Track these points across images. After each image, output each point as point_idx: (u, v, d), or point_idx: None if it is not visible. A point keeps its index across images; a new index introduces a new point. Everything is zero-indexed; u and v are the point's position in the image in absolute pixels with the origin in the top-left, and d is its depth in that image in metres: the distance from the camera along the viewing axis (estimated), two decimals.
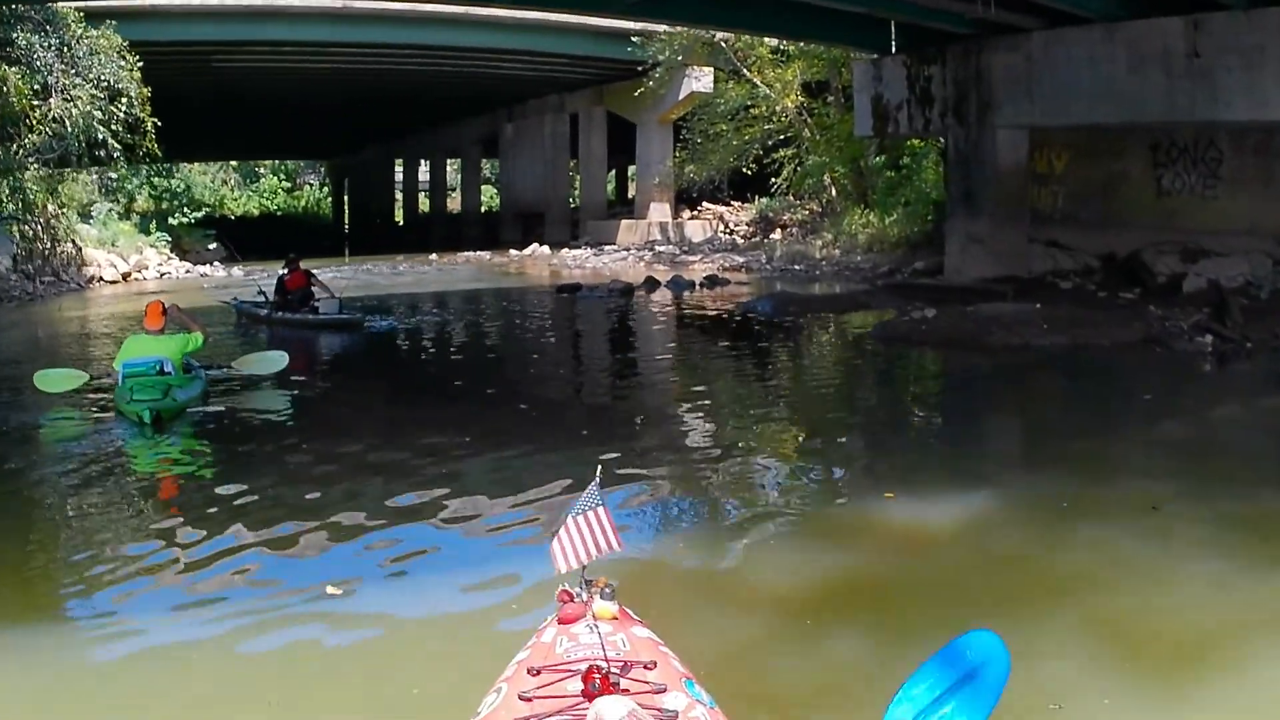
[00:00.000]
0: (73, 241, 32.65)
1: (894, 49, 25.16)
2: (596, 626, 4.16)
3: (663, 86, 42.53)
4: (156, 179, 48.03)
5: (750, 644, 5.87)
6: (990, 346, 15.61)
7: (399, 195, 78.81)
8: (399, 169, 77.10)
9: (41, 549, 7.81)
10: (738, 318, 21.50)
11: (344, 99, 54.20)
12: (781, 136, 38.81)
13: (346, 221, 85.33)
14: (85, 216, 37.22)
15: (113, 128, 27.40)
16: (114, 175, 45.25)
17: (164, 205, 47.17)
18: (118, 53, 27.72)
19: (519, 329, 22.14)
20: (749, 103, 39.00)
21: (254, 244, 60.52)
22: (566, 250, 45.22)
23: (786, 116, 37.90)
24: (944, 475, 9.51)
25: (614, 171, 67.38)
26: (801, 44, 36.17)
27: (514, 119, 58.07)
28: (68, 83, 26.26)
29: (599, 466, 4.95)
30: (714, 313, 22.85)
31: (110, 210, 39.62)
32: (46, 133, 26.27)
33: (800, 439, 11.36)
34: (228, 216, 79.74)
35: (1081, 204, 25.21)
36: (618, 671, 3.77)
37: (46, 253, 30.88)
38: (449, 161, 72.74)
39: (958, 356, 16.05)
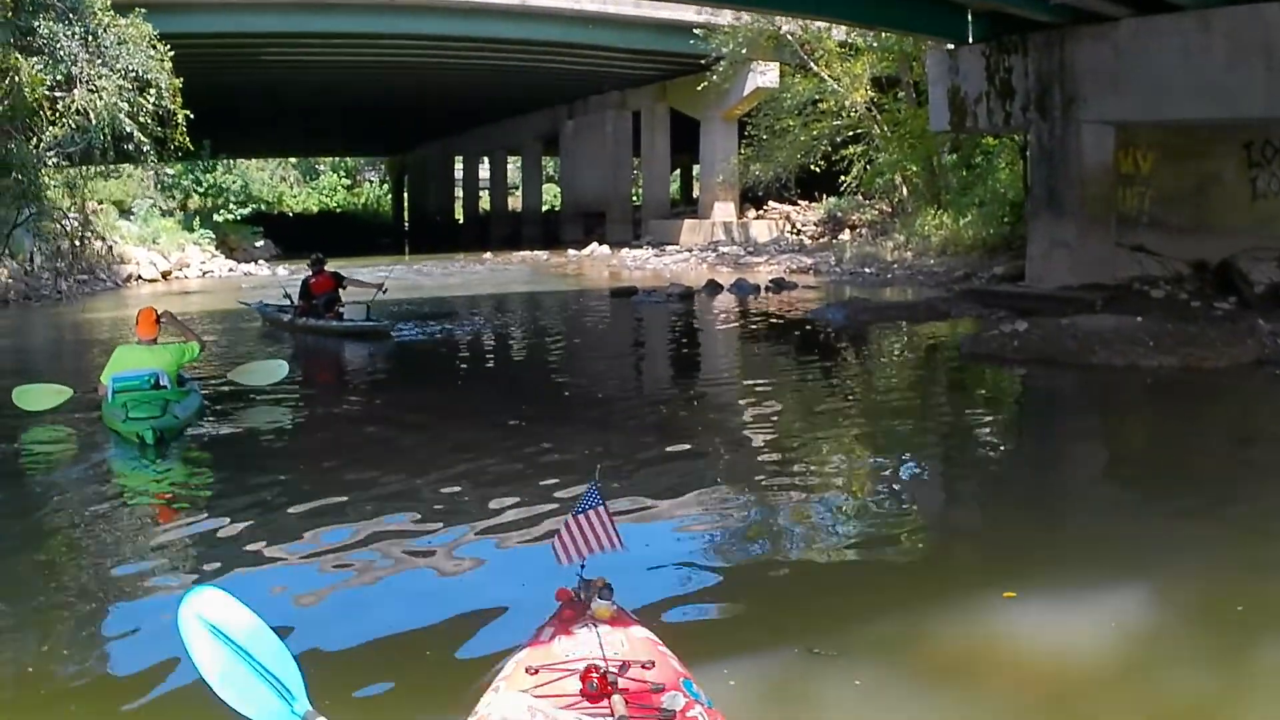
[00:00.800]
0: (102, 239, 31.68)
1: (971, 38, 23.57)
2: (595, 626, 4.23)
3: (726, 82, 41.08)
4: (205, 174, 46.42)
5: None
6: (1092, 367, 13.65)
7: (459, 193, 77.70)
8: (459, 166, 76.07)
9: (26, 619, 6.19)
10: (806, 327, 19.83)
11: (401, 94, 53.28)
12: (851, 133, 37.33)
13: (406, 220, 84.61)
14: (126, 212, 36.23)
15: (141, 120, 26.08)
16: (171, 171, 44.56)
17: (210, 202, 45.71)
18: (147, 42, 26.39)
19: (563, 339, 20.38)
20: (817, 97, 37.47)
21: (310, 241, 60.61)
22: (627, 250, 43.69)
23: (856, 112, 36.34)
24: (1075, 558, 7.05)
25: (677, 171, 66.28)
26: (872, 36, 34.85)
27: (575, 116, 56.79)
28: (93, 73, 24.95)
29: (599, 468, 5.16)
30: (780, 321, 21.12)
31: (152, 206, 38.55)
32: (70, 126, 25.00)
33: (884, 500, 8.71)
34: (285, 214, 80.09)
35: (1169, 207, 23.38)
36: (616, 671, 3.81)
37: (75, 251, 29.79)
38: (509, 159, 71.58)
39: (1057, 379, 14.15)
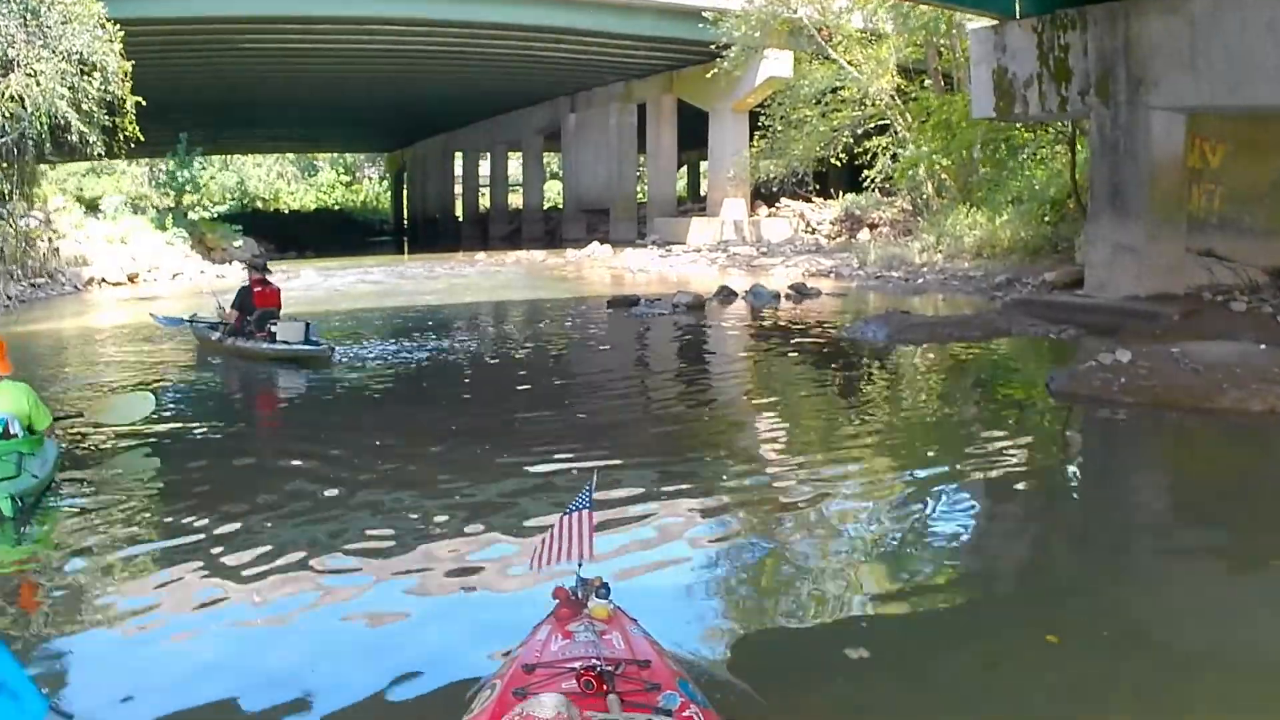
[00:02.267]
0: (47, 240, 28.69)
1: (1020, 13, 20.69)
2: (592, 625, 4.22)
3: (738, 69, 38.75)
4: (181, 169, 43.56)
5: None
6: (1222, 412, 10.24)
7: (459, 190, 75.30)
8: (459, 163, 73.81)
9: None
10: (844, 348, 16.23)
11: (398, 88, 51.00)
12: (874, 124, 34.65)
13: (406, 217, 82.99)
14: (94, 210, 33.64)
15: (85, 108, 23.41)
16: (165, 167, 42.22)
17: (181, 199, 42.87)
18: (95, 21, 23.70)
19: (544, 367, 15.88)
20: (837, 85, 34.75)
21: (306, 240, 58.68)
22: (631, 250, 40.84)
23: (881, 100, 33.59)
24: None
25: (684, 167, 64.06)
26: (896, 20, 32.28)
27: (578, 109, 54.77)
28: (31, 55, 22.20)
29: (597, 470, 5.44)
30: (809, 338, 17.65)
31: (121, 204, 35.93)
32: (2, 114, 22.28)
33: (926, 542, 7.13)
34: (281, 211, 79.07)
35: (1242, 206, 20.59)
36: (612, 670, 3.79)
37: (19, 253, 26.99)
38: (511, 155, 69.36)
39: (1184, 429, 10.60)
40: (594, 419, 11.53)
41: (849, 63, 34.33)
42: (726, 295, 23.55)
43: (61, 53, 22.94)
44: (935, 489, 8.31)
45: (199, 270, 34.57)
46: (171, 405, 12.09)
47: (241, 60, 41.20)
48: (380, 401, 13.02)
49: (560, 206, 62.03)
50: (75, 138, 23.83)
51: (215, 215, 44.21)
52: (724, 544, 7.22)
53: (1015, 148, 30.97)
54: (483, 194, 72.67)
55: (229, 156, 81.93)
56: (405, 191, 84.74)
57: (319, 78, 46.93)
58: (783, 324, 19.67)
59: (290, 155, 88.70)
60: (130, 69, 25.12)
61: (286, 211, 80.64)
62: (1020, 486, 8.66)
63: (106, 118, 24.45)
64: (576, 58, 44.13)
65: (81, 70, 23.58)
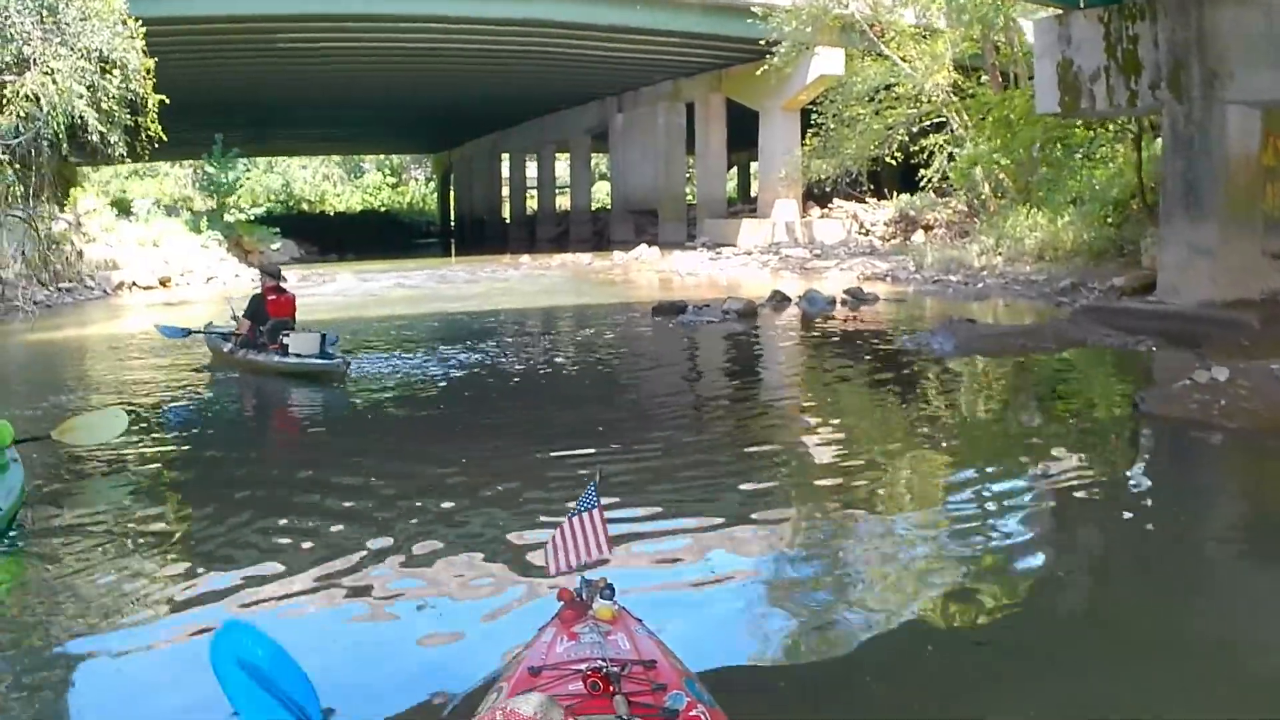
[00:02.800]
0: (71, 243, 28.22)
1: (1085, 2, 19.67)
2: (597, 626, 4.20)
3: (789, 66, 37.72)
4: (220, 170, 42.99)
5: None
6: None
7: (506, 191, 74.73)
8: (505, 164, 73.16)
9: None
10: (907, 358, 14.90)
11: (443, 88, 50.12)
12: (930, 121, 33.66)
13: (453, 219, 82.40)
14: (126, 213, 33.06)
15: (105, 107, 22.75)
16: (210, 169, 41.72)
17: (222, 200, 42.27)
18: (116, 18, 23.01)
19: (578, 384, 14.46)
20: (891, 81, 33.75)
21: (350, 242, 58.19)
22: (679, 253, 39.80)
23: (938, 97, 32.58)
24: None
25: (734, 168, 63.21)
26: (950, 15, 31.32)
27: (625, 109, 53.88)
28: (49, 53, 21.53)
29: (599, 469, 5.42)
30: (870, 349, 16.30)
31: (153, 206, 35.34)
32: (17, 114, 21.60)
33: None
34: (326, 213, 79.04)
35: None
36: (618, 671, 3.74)
37: (45, 257, 26.50)
38: (558, 156, 68.68)
39: None
40: (636, 459, 9.48)
41: (902, 59, 33.37)
42: (779, 301, 22.42)
43: (80, 50, 22.24)
44: (1016, 516, 7.54)
45: (234, 274, 34.00)
46: (159, 425, 11.40)
47: (280, 60, 40.59)
48: (389, 427, 11.58)
49: (608, 208, 61.27)
50: (95, 138, 23.10)
51: (252, 217, 43.36)
52: (777, 557, 7.00)
53: (1072, 146, 29.87)
54: (530, 195, 71.97)
55: (274, 159, 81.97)
56: (452, 193, 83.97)
57: (362, 78, 46.18)
58: (841, 333, 18.54)
59: (336, 157, 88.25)
60: (153, 66, 24.37)
61: (331, 214, 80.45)
62: (1113, 517, 7.59)
63: (129, 117, 23.67)
64: (624, 56, 43.22)
65: (101, 68, 22.86)
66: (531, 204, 71.22)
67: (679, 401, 13.16)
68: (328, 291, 29.24)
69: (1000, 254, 27.81)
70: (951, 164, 32.80)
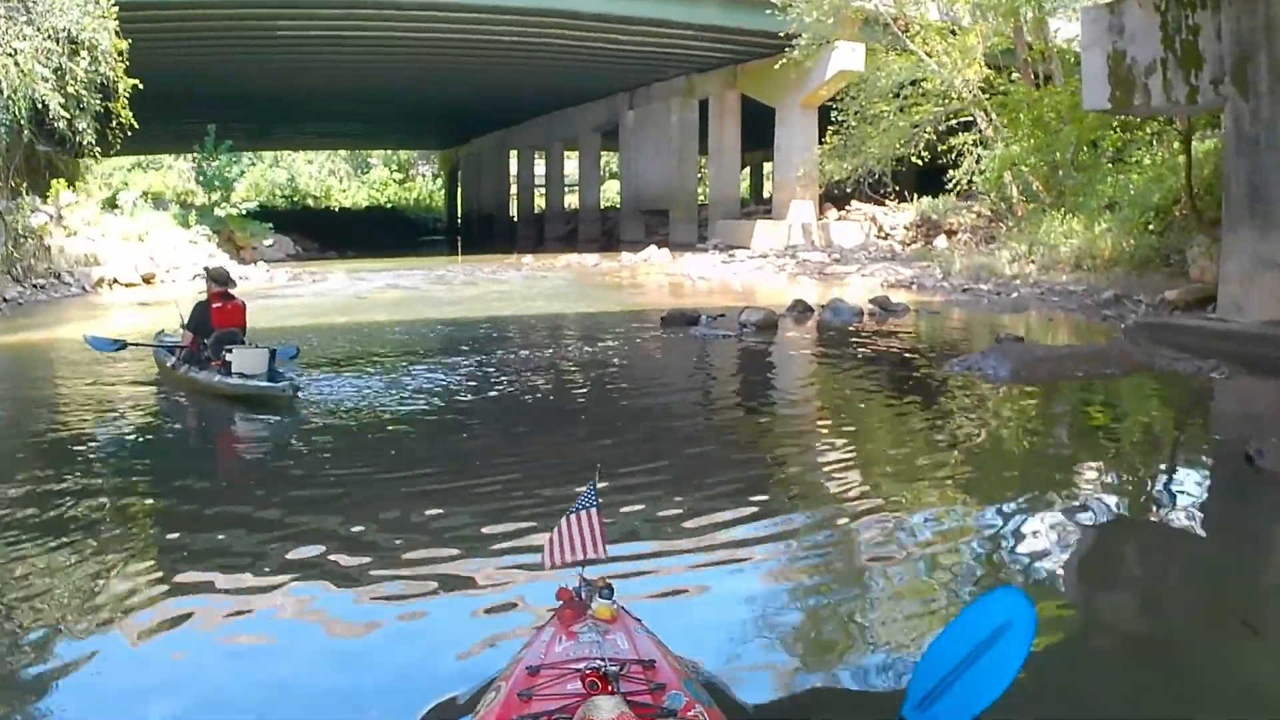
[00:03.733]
0: (39, 238, 26.50)
1: None
2: (596, 626, 4.20)
3: (808, 59, 35.75)
4: (207, 161, 41.31)
5: None
6: None
7: (513, 189, 73.40)
8: (514, 160, 71.71)
9: None
10: (958, 386, 12.68)
11: (448, 81, 48.54)
12: (957, 120, 31.98)
13: (460, 217, 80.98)
14: (112, 205, 31.54)
15: (69, 90, 21.13)
16: (216, 162, 40.28)
17: (212, 193, 40.55)
18: None
19: (565, 412, 12.10)
20: (918, 77, 32.03)
21: (354, 238, 56.66)
22: (690, 255, 38.08)
23: (969, 92, 30.86)
24: None
25: (746, 169, 61.75)
26: (977, 10, 29.73)
27: (636, 105, 52.30)
28: (14, 34, 19.91)
29: (599, 468, 5.07)
30: (911, 372, 14.20)
31: (138, 200, 33.79)
32: None
33: None
34: (331, 209, 78.39)
35: None
36: (617, 671, 3.73)
37: (10, 252, 24.90)
38: (567, 154, 66.97)
39: None
40: (635, 513, 7.57)
41: (927, 54, 31.70)
42: (802, 311, 20.62)
43: (46, 30, 20.56)
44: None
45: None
46: (69, 455, 9.57)
47: (281, 51, 39.48)
48: (332, 467, 9.29)
49: (618, 206, 59.79)
50: (62, 125, 21.48)
51: (244, 212, 41.68)
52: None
53: (1103, 148, 28.22)
54: (539, 193, 70.49)
55: (280, 153, 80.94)
56: (459, 190, 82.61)
57: (366, 71, 44.88)
58: (874, 351, 16.34)
59: (342, 152, 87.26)
60: (126, 49, 22.72)
61: (336, 209, 79.46)
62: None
63: (99, 103, 22.04)
64: (636, 50, 41.70)
65: (70, 50, 21.21)
66: (540, 202, 69.74)
67: (686, 442, 10.40)
68: (312, 292, 27.60)
69: (1033, 262, 26.19)
70: (980, 165, 31.08)
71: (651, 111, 50.93)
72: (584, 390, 13.46)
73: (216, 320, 12.63)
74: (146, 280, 29.22)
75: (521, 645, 4.35)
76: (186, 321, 12.88)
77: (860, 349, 16.48)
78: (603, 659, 3.76)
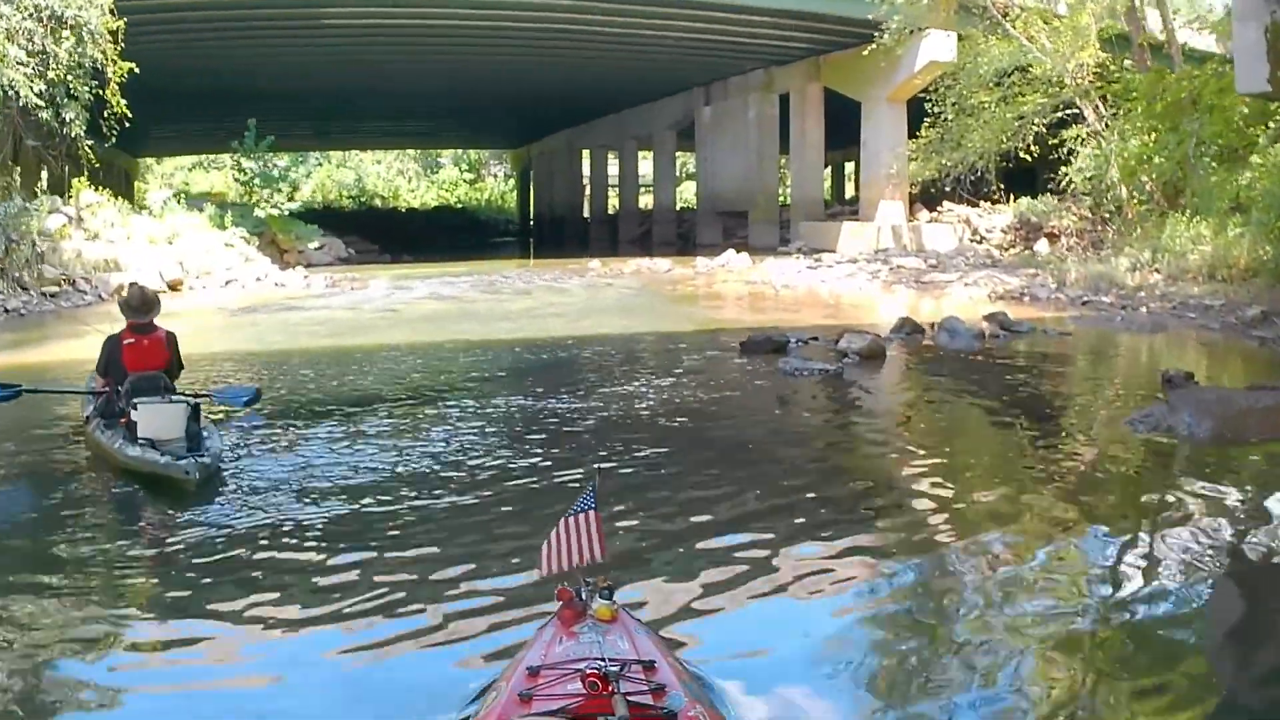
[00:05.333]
0: (35, 244, 24.24)
1: None
2: (596, 626, 4.24)
3: (900, 47, 33.19)
4: (250, 158, 39.33)
5: None
6: None
7: (587, 189, 71.19)
8: (586, 160, 69.68)
9: None
10: (1148, 454, 9.48)
11: (518, 77, 46.34)
12: (1066, 112, 29.20)
13: (532, 218, 79.13)
14: (141, 207, 29.75)
15: (52, 74, 18.91)
16: (281, 162, 38.44)
17: (252, 192, 38.38)
18: None
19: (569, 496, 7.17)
20: (1023, 63, 29.20)
21: (421, 240, 54.62)
22: (772, 260, 35.16)
23: (1082, 79, 28.00)
24: None
25: (827, 169, 58.93)
26: None
27: (713, 101, 49.78)
28: None
29: (598, 468, 5.64)
30: (1074, 428, 11.05)
31: (168, 199, 31.80)
32: None
33: None
34: (398, 209, 77.76)
35: None
36: (617, 671, 3.73)
37: (22, 257, 23.01)
38: (641, 153, 65.09)
39: None
40: None
41: (1029, 39, 28.89)
42: (910, 332, 17.45)
43: (27, 8, 18.28)
44: None
45: (256, 276, 30.35)
46: None
47: (332, 44, 37.56)
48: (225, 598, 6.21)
49: (694, 207, 57.37)
50: (48, 115, 19.26)
51: (287, 212, 39.48)
52: None
53: (1220, 145, 25.36)
54: (612, 194, 68.83)
55: (348, 153, 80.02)
56: (531, 190, 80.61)
57: (425, 64, 42.96)
58: (1012, 391, 13.01)
59: (412, 152, 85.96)
60: (122, 29, 20.46)
61: (404, 210, 78.22)
62: None
63: (87, 89, 19.82)
64: (713, 40, 39.39)
65: (52, 29, 18.93)
66: (614, 203, 68.06)
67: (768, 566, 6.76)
68: (343, 303, 25.19)
69: (1157, 271, 23.41)
70: (1090, 162, 28.27)
71: (729, 107, 48.36)
72: (625, 465, 9.13)
73: (128, 360, 9.43)
74: (173, 287, 27.25)
75: (522, 645, 4.45)
76: (98, 362, 9.73)
77: (996, 389, 13.24)
78: (603, 659, 3.75)
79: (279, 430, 10.56)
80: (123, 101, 21.58)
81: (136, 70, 21.41)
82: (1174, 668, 5.26)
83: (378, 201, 79.63)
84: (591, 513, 4.40)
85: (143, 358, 9.40)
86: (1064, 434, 10.75)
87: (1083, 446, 10.12)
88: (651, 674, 3.86)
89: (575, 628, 4.22)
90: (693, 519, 7.69)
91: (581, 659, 3.85)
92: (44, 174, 26.35)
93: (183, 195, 35.91)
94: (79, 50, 19.67)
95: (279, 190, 39.71)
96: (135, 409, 8.84)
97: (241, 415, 10.83)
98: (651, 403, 12.08)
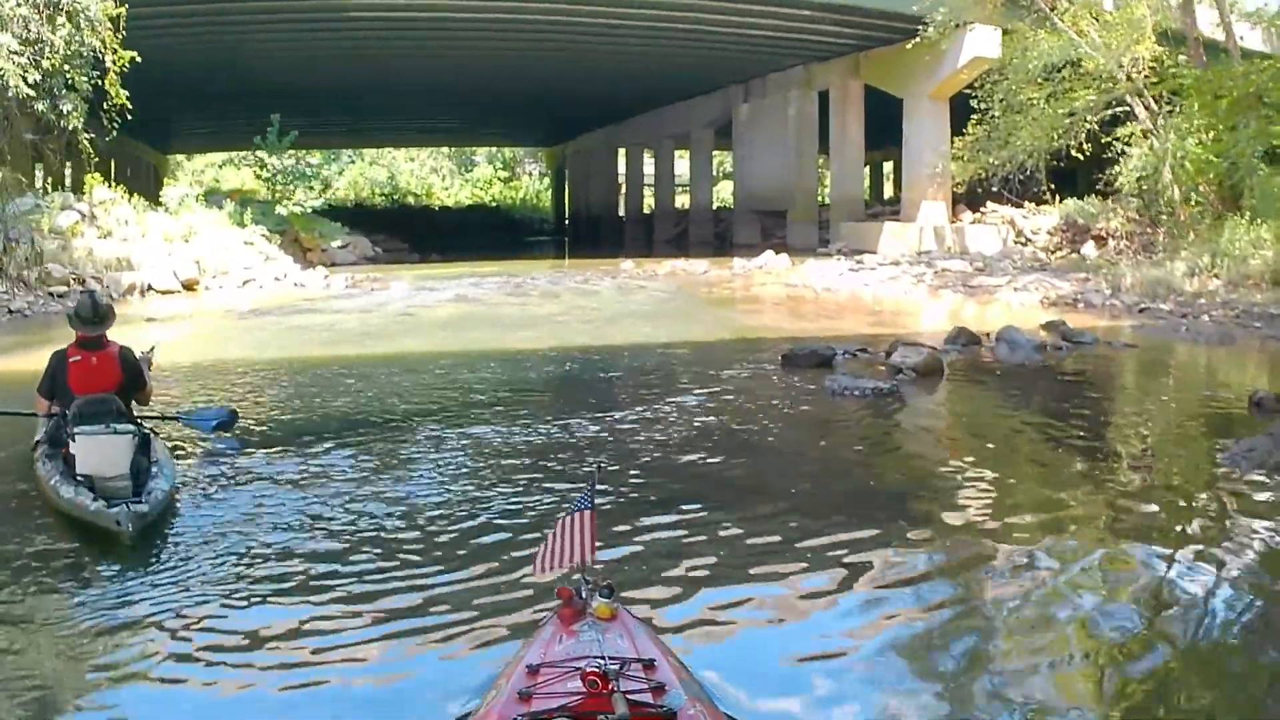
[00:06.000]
0: (35, 242, 23.44)
1: None
2: (596, 625, 4.23)
3: (943, 40, 32.18)
4: (272, 154, 38.47)
5: None
6: None
7: (622, 188, 70.44)
8: (622, 159, 68.86)
9: None
10: (1257, 497, 7.92)
11: (552, 74, 45.89)
12: (1118, 108, 28.10)
13: (568, 217, 78.25)
14: (157, 203, 29.21)
15: (47, 63, 18.06)
16: (315, 160, 37.73)
17: (277, 189, 37.37)
18: None
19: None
20: (1073, 57, 28.06)
21: (453, 239, 53.79)
22: (812, 261, 33.93)
23: (1137, 73, 26.89)
24: None
25: (866, 168, 57.97)
26: None
27: (751, 98, 48.71)
28: None
29: (599, 466, 5.79)
30: (1149, 456, 9.84)
31: (187, 196, 31.04)
32: None
33: None
34: (431, 207, 77.47)
35: None
36: (617, 669, 3.72)
37: (25, 256, 22.25)
38: (678, 153, 64.35)
39: None
40: None
41: (1078, 33, 27.75)
42: (966, 343, 16.04)
43: None
44: None
45: (275, 276, 29.50)
46: None
47: (353, 34, 36.67)
48: None
49: (731, 206, 56.52)
50: (45, 106, 18.38)
51: (310, 210, 38.55)
52: None
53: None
54: (648, 193, 67.95)
55: (380, 151, 79.71)
56: (566, 189, 79.81)
57: (454, 59, 42.03)
58: (1093, 417, 11.56)
59: (445, 149, 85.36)
60: (123, 15, 19.57)
61: (437, 208, 77.72)
62: None
63: (86, 79, 18.96)
64: (751, 36, 38.29)
65: (50, 15, 18.06)
66: (649, 202, 67.24)
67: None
68: (359, 305, 24.12)
69: (1217, 276, 22.27)
70: (1139, 162, 27.20)
71: (767, 105, 47.28)
72: (635, 507, 7.81)
73: (75, 381, 8.14)
74: (188, 286, 26.45)
75: (521, 644, 4.47)
76: (43, 383, 8.40)
77: (1068, 412, 11.68)
78: (603, 657, 3.73)
79: (248, 461, 9.23)
80: (124, 93, 20.75)
81: (139, 59, 20.63)
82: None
83: (410, 199, 79.15)
84: (588, 512, 4.37)
85: (91, 378, 8.12)
86: (1157, 470, 9.23)
87: (1183, 487, 8.58)
88: (651, 672, 3.86)
89: (575, 626, 4.23)
90: (721, 555, 6.86)
91: (581, 657, 3.86)
92: (39, 169, 25.58)
93: (201, 192, 34.92)
94: (77, 38, 18.81)
95: (310, 187, 38.82)
96: (74, 440, 7.61)
97: (213, 441, 9.72)
98: (679, 431, 10.52)
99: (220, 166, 65.69)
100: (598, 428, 10.60)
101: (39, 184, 24.83)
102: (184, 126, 58.62)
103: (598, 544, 4.47)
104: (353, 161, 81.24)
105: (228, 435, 9.77)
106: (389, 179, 79.82)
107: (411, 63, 42.12)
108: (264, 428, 10.76)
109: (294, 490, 8.24)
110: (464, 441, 9.95)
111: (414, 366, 15.30)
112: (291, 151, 42.72)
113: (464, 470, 8.87)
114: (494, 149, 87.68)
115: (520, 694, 3.72)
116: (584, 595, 4.34)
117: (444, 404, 12.24)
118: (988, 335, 16.54)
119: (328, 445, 9.77)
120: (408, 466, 9.01)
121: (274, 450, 9.68)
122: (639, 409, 11.53)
